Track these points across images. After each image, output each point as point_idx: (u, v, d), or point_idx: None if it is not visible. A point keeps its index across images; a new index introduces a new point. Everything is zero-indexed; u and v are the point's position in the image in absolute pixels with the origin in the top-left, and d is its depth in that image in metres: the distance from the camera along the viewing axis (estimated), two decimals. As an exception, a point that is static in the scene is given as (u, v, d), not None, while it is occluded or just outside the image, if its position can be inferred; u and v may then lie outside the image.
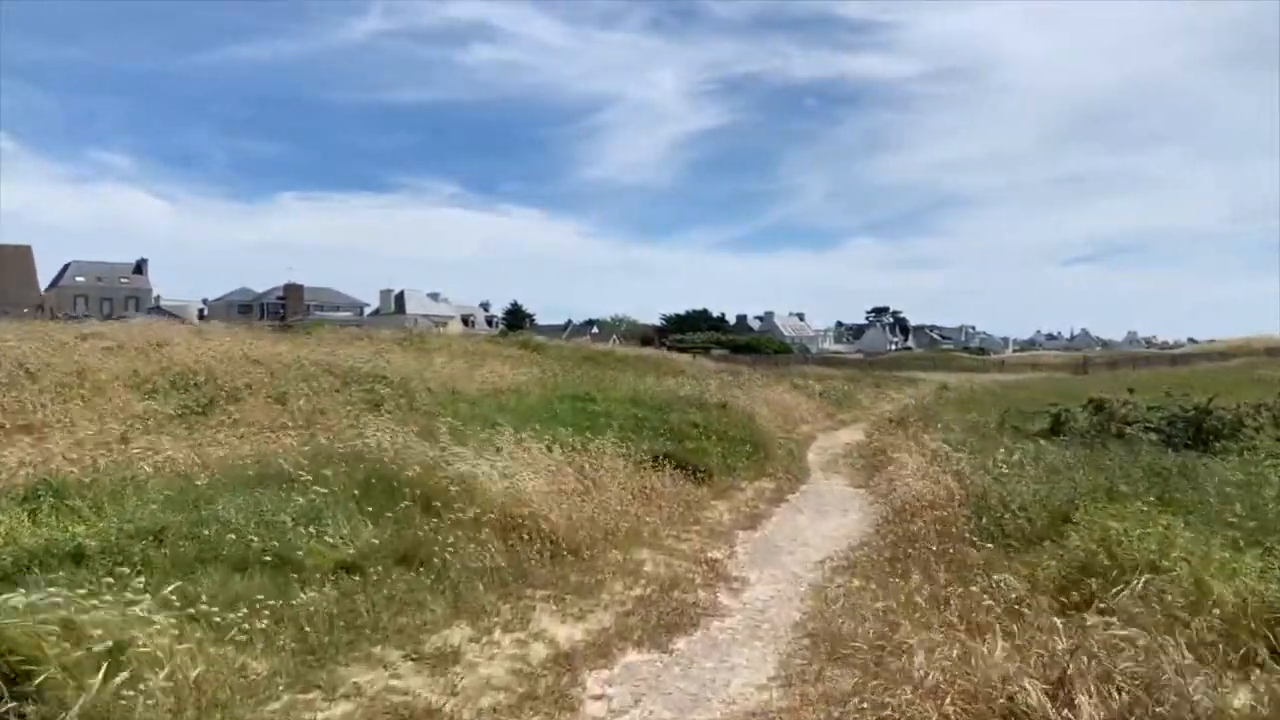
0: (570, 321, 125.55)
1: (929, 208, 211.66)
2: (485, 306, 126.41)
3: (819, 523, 10.28)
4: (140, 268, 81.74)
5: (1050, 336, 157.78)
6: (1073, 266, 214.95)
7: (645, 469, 10.64)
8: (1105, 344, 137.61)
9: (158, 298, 77.42)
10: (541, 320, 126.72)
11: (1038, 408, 16.86)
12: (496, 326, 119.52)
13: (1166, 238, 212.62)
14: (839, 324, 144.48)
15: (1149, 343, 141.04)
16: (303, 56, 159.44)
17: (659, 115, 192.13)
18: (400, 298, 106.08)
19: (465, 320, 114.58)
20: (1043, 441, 11.83)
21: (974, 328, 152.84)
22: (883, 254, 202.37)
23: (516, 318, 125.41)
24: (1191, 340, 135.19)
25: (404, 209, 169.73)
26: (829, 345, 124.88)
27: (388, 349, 21.89)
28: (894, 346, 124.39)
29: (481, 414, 12.69)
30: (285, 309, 78.54)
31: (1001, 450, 10.99)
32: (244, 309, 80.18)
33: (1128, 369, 45.56)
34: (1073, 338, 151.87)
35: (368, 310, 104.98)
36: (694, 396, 18.47)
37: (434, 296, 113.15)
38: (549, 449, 9.72)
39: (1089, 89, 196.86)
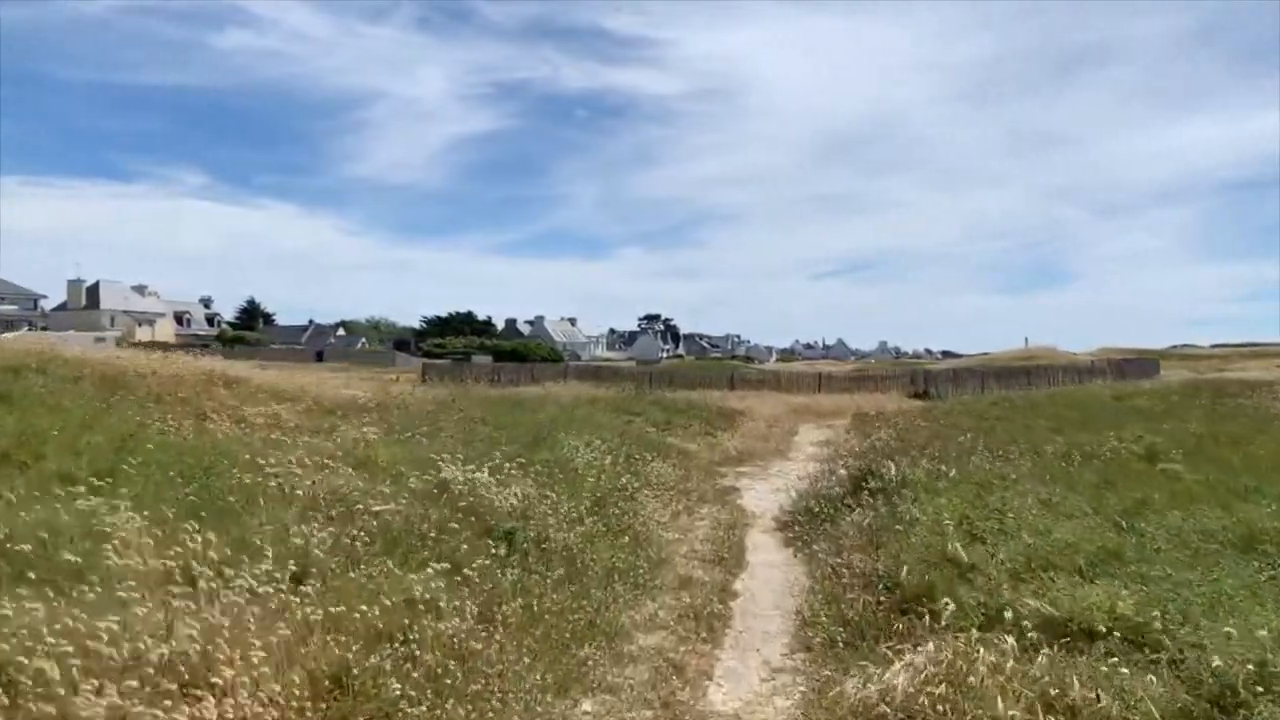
0: (312, 322, 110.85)
1: (693, 220, 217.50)
2: (206, 303, 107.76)
3: None
4: None
5: (808, 346, 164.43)
6: (824, 280, 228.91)
7: None
8: (857, 354, 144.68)
9: None
10: (283, 320, 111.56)
11: None
12: (219, 326, 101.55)
13: (906, 256, 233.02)
14: (612, 331, 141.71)
15: (898, 353, 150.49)
16: (27, 25, 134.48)
17: (429, 115, 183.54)
18: (94, 290, 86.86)
19: (179, 318, 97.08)
20: None
21: (739, 336, 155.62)
22: (651, 263, 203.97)
23: (249, 316, 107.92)
24: (929, 351, 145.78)
25: (145, 199, 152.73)
26: (601, 352, 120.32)
27: None
28: (665, 354, 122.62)
29: None
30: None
31: None
32: None
33: (974, 386, 33.03)
34: (828, 348, 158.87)
35: (49, 304, 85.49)
36: None
37: (140, 290, 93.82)
38: None
39: (838, 116, 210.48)
